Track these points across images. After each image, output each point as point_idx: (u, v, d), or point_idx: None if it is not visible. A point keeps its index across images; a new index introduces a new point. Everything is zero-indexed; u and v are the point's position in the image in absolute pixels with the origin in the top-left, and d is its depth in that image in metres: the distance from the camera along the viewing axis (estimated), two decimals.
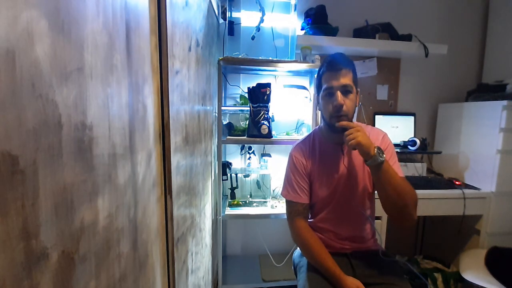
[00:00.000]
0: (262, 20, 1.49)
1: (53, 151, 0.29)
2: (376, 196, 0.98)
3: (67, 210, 0.31)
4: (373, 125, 1.78)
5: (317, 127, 1.05)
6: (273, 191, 1.69)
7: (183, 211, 0.81)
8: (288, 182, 1.00)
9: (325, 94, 0.89)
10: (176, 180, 0.71)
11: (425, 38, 1.65)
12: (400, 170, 0.93)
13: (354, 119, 0.96)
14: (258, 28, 1.50)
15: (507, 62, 1.70)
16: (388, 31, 1.65)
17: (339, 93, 0.85)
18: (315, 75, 1.50)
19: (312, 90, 1.58)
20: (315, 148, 0.99)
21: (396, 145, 1.70)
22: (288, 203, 0.99)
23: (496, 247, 1.42)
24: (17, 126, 0.24)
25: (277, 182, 1.68)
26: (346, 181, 0.94)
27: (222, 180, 1.43)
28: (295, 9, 1.55)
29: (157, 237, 0.59)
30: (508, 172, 1.45)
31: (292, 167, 0.99)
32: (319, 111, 0.96)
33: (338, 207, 0.96)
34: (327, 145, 0.97)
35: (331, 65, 0.88)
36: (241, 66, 1.43)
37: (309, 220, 1.04)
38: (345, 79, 0.85)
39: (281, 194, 1.02)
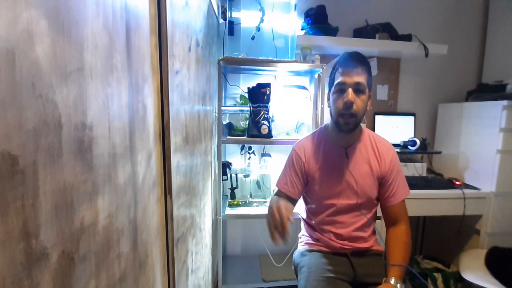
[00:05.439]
0: (262, 20, 1.49)
1: (53, 151, 0.29)
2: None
3: (67, 210, 0.31)
4: (373, 125, 1.78)
5: (323, 125, 1.03)
6: (273, 191, 1.68)
7: (183, 211, 0.81)
8: (283, 174, 1.02)
9: (336, 90, 0.87)
10: (176, 180, 0.71)
11: (425, 38, 1.65)
12: (406, 186, 0.96)
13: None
14: (258, 28, 1.50)
15: (507, 62, 1.70)
16: (388, 31, 1.65)
17: (350, 90, 0.84)
18: (316, 74, 1.50)
19: (312, 90, 1.58)
20: (319, 148, 0.98)
21: (396, 145, 1.70)
22: (278, 190, 1.01)
23: (496, 247, 1.42)
24: (17, 126, 0.24)
25: None
26: (349, 186, 0.94)
27: (222, 180, 1.42)
28: (295, 9, 1.55)
29: (157, 237, 0.59)
30: (508, 172, 1.45)
31: (290, 162, 1.01)
32: (328, 109, 0.96)
33: (340, 210, 0.95)
34: (331, 146, 0.96)
35: (347, 61, 0.86)
36: (241, 66, 1.43)
37: (308, 220, 1.04)
38: (359, 78, 0.84)
39: (276, 184, 1.03)
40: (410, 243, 0.91)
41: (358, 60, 0.86)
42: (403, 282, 0.84)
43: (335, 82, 0.88)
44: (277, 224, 0.73)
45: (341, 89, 0.86)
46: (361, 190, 0.93)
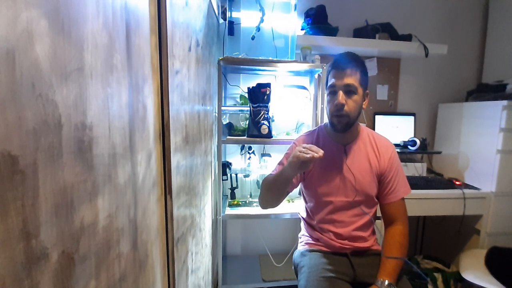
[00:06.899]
0: (262, 20, 1.49)
1: (53, 151, 0.28)
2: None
3: (67, 210, 0.31)
4: (373, 125, 1.78)
5: (323, 124, 1.05)
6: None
7: (183, 211, 0.80)
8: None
9: (329, 92, 0.90)
10: (176, 180, 0.71)
11: (425, 38, 1.65)
12: (406, 184, 0.96)
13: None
14: (258, 28, 1.50)
15: (507, 62, 1.70)
16: (388, 31, 1.65)
17: (341, 93, 0.86)
18: (316, 74, 1.50)
19: (312, 90, 1.58)
20: (318, 144, 0.98)
21: (396, 145, 1.70)
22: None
23: (496, 247, 1.42)
24: (17, 126, 0.24)
25: None
26: (348, 182, 0.94)
27: (222, 180, 1.42)
28: (295, 9, 1.55)
29: (157, 237, 0.59)
30: (508, 172, 1.45)
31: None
32: (326, 109, 0.97)
33: (339, 207, 0.95)
34: (330, 143, 0.97)
35: (338, 63, 0.88)
36: (241, 66, 1.43)
37: (309, 219, 1.04)
38: (349, 79, 0.85)
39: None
40: (405, 243, 0.91)
41: (348, 61, 0.87)
42: (397, 280, 0.85)
43: (328, 85, 0.90)
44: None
45: (333, 91, 0.88)
46: (360, 187, 0.94)
